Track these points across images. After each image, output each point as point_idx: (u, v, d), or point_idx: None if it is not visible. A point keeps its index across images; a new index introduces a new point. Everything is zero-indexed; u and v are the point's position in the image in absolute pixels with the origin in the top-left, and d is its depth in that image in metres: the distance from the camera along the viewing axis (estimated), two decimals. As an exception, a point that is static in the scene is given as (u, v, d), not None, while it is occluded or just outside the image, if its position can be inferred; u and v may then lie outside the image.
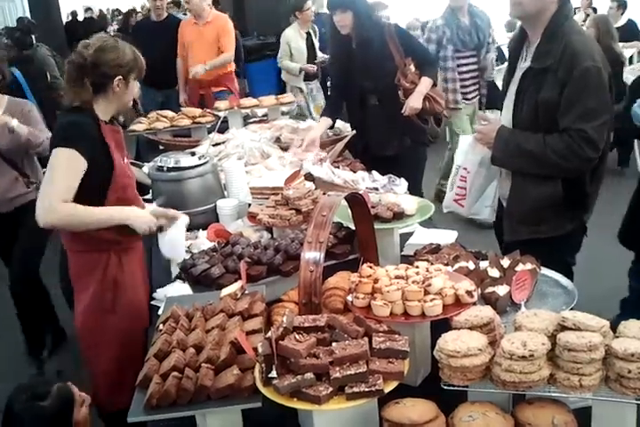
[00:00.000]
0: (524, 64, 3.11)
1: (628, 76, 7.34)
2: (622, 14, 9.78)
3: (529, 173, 3.08)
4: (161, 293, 2.95)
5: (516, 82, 3.10)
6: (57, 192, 2.73)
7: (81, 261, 2.92)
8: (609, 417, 1.95)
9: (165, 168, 3.67)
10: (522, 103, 3.04)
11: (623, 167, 7.81)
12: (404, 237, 3.41)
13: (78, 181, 2.76)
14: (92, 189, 2.82)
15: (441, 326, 2.21)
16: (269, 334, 2.05)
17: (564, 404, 1.98)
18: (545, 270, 2.64)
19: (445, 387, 2.00)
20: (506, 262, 2.59)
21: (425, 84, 4.69)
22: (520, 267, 2.52)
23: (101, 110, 2.92)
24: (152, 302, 2.99)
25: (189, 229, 3.60)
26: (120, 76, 2.88)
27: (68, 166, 2.75)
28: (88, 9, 22.39)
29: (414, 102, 4.64)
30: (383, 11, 5.71)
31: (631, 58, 9.70)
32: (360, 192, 2.70)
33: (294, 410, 2.12)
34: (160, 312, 2.71)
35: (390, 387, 1.94)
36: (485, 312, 2.12)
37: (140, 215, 2.95)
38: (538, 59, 2.97)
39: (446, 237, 3.32)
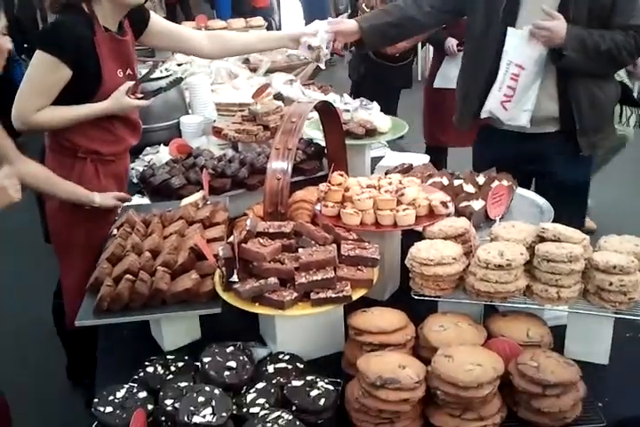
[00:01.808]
0: None
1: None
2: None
3: (594, 74, 2.84)
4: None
5: None
6: (32, 100, 2.53)
7: (56, 162, 2.67)
8: (585, 331, 1.88)
9: (126, 80, 3.46)
10: (568, 12, 2.74)
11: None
12: (375, 161, 3.29)
13: (58, 89, 2.53)
14: (75, 98, 2.58)
15: (412, 241, 2.11)
16: (231, 238, 1.92)
17: (540, 318, 1.90)
18: (521, 190, 2.54)
19: (416, 297, 1.90)
20: (481, 179, 2.48)
21: None
22: (496, 184, 2.41)
23: (101, 16, 2.57)
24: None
25: (150, 144, 3.44)
26: None
27: (48, 75, 2.51)
28: None
29: None
30: None
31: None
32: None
33: (255, 320, 2.01)
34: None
35: (358, 294, 1.83)
36: (460, 223, 2.01)
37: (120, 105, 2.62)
38: None
39: (418, 159, 3.19)
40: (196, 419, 1.52)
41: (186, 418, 1.52)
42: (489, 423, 1.63)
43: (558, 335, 1.90)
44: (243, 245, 1.82)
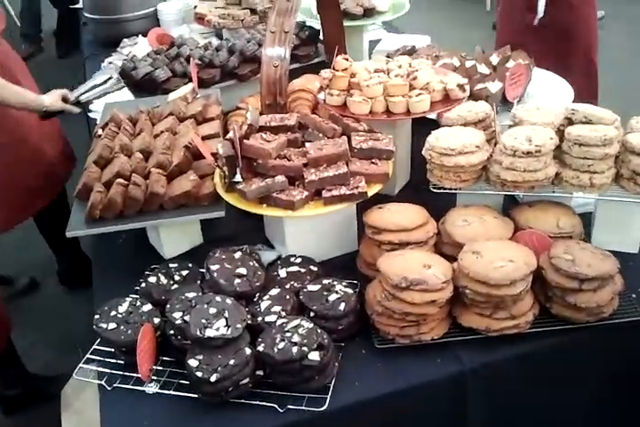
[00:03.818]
0: None
1: None
2: None
3: None
4: (98, 102, 2.56)
5: None
6: None
7: None
8: (615, 219, 1.75)
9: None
10: None
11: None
12: (371, 45, 3.03)
13: None
14: None
15: (423, 131, 1.93)
16: (230, 134, 1.73)
17: (568, 206, 1.76)
18: (537, 69, 2.33)
19: (435, 191, 1.75)
20: (495, 59, 2.27)
21: None
22: (511, 63, 2.20)
23: None
24: (89, 115, 2.62)
25: (127, 35, 3.17)
26: None
27: None
28: None
29: None
30: None
31: None
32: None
33: (258, 220, 1.86)
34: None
35: (374, 190, 1.68)
36: (480, 107, 1.83)
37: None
38: None
39: (419, 40, 2.95)
40: (209, 332, 1.40)
41: (198, 332, 1.40)
42: (521, 322, 1.53)
43: (584, 223, 1.77)
44: (245, 141, 1.64)
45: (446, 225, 1.68)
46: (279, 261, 1.73)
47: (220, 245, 1.75)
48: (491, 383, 1.57)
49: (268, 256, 1.81)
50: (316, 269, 1.69)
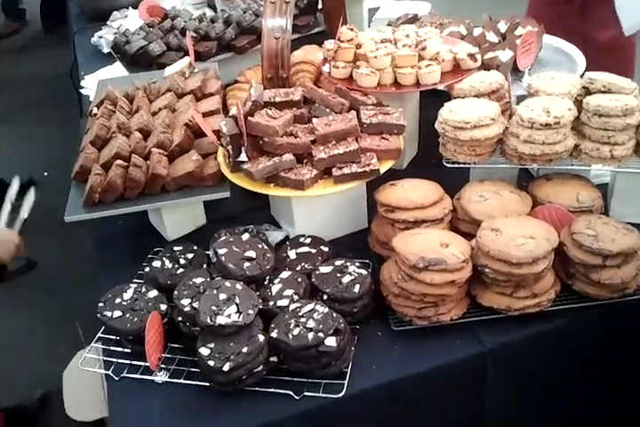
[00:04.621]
0: None
1: None
2: None
3: None
4: (90, 78, 2.47)
5: None
6: None
7: None
8: (634, 191, 1.68)
9: None
10: None
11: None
12: (369, 13, 2.93)
13: None
14: None
15: (430, 101, 1.86)
16: (233, 111, 1.65)
17: (587, 179, 1.69)
18: (546, 36, 2.24)
19: (449, 165, 1.68)
20: (503, 27, 2.18)
21: None
22: (521, 31, 2.12)
23: None
24: (81, 91, 2.52)
25: (116, 8, 3.05)
26: None
27: None
28: None
29: None
30: None
31: None
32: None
33: (263, 199, 1.79)
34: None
35: (385, 167, 1.61)
36: (493, 77, 1.75)
37: None
38: None
39: (421, 8, 2.84)
40: (221, 319, 1.34)
41: (208, 319, 1.34)
42: (543, 300, 1.48)
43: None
44: (250, 118, 1.56)
45: (462, 201, 1.62)
46: (288, 242, 1.66)
47: (225, 226, 1.69)
48: (511, 363, 1.53)
49: (275, 236, 1.75)
50: (326, 249, 1.62)
